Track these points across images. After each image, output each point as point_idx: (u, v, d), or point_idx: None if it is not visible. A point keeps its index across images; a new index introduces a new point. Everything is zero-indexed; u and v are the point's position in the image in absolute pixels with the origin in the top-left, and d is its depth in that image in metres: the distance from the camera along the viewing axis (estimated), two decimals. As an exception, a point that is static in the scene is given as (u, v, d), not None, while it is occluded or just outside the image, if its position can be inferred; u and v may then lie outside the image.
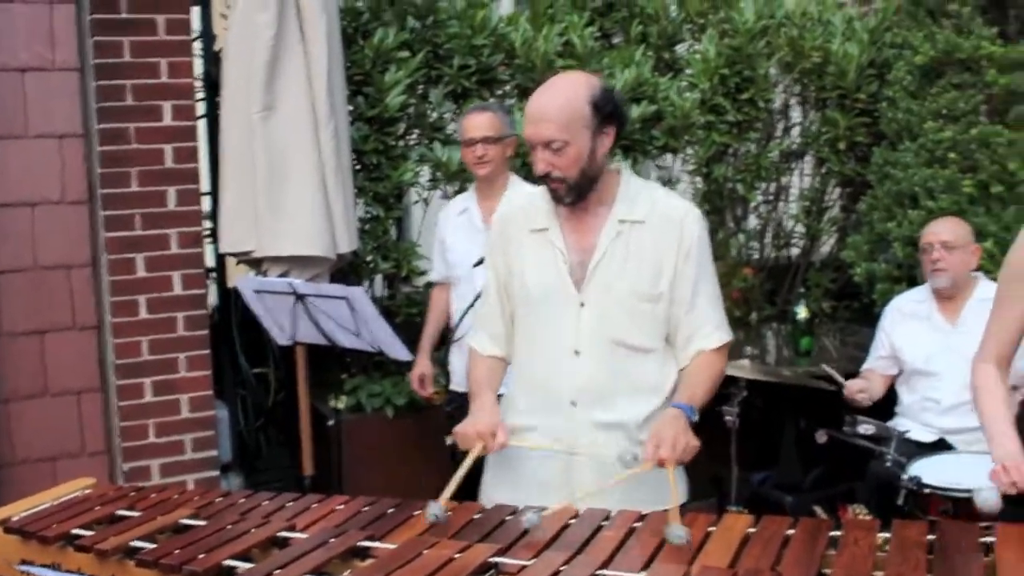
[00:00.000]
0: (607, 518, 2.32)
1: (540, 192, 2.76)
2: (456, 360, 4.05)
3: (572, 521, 2.32)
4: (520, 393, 2.79)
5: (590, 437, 2.66)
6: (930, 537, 2.10)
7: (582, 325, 2.66)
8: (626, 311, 2.65)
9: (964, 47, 4.76)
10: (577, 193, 2.62)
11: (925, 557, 2.03)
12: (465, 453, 2.58)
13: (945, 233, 3.98)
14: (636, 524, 2.28)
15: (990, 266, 4.26)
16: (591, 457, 2.63)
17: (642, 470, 2.44)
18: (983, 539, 2.06)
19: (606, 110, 2.59)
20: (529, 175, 4.42)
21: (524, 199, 2.90)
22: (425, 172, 4.99)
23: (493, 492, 2.77)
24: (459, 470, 2.47)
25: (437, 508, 2.33)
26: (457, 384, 4.10)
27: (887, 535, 2.13)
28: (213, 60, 4.82)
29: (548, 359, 2.71)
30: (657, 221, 2.66)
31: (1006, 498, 2.28)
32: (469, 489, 2.78)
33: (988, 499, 1.92)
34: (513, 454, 2.73)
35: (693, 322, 2.69)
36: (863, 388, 4.08)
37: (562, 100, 2.56)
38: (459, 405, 4.03)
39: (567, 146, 2.55)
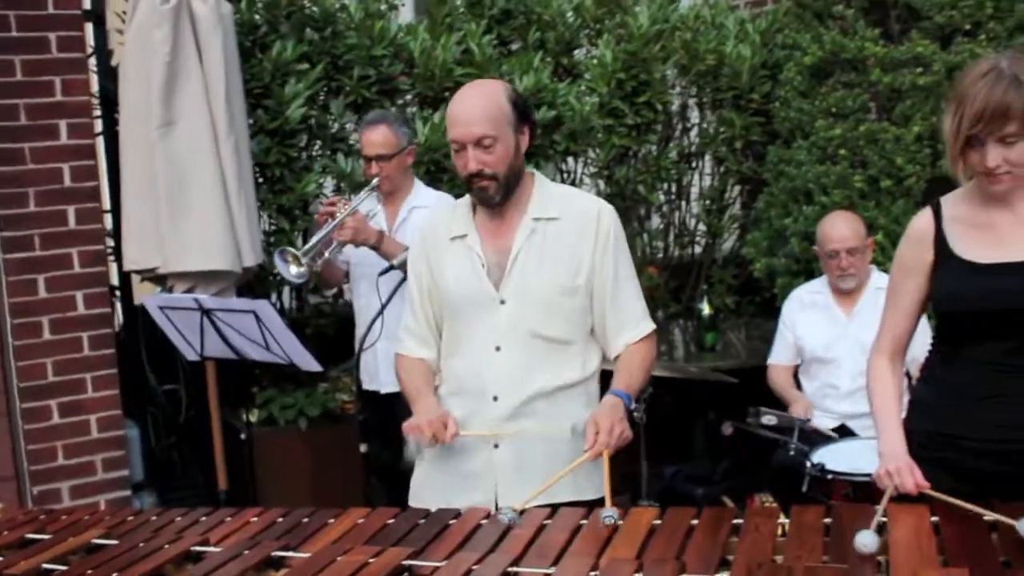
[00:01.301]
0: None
1: (460, 202, 2.85)
2: (368, 358, 4.04)
3: (484, 521, 2.37)
4: (447, 392, 2.84)
5: (512, 428, 2.72)
6: (827, 520, 2.19)
7: (501, 321, 2.72)
8: (544, 305, 2.72)
9: (849, 48, 4.92)
10: (505, 191, 2.69)
11: (822, 539, 2.12)
12: (378, 461, 2.62)
13: (851, 240, 4.08)
14: (547, 521, 2.33)
15: (881, 258, 4.41)
16: (532, 436, 2.71)
17: (582, 461, 2.53)
18: (877, 520, 2.15)
19: (522, 109, 2.71)
20: (431, 183, 4.49)
21: (445, 209, 2.97)
22: (329, 183, 5.00)
23: (422, 493, 2.84)
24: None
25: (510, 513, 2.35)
26: (369, 383, 4.09)
27: (788, 521, 2.22)
28: (110, 76, 4.77)
29: (471, 357, 2.77)
30: (572, 217, 2.74)
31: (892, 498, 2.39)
32: (399, 494, 2.84)
33: (865, 543, 2.02)
34: (434, 451, 2.79)
35: (619, 314, 2.77)
36: (806, 406, 4.15)
37: (486, 100, 2.66)
38: (370, 405, 4.04)
39: (496, 142, 2.63)
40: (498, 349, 2.73)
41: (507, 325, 2.72)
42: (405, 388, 2.87)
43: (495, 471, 2.74)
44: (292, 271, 3.81)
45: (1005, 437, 2.46)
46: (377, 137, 3.94)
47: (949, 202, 2.55)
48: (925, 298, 2.59)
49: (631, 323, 2.79)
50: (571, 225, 2.74)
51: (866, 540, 2.01)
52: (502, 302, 2.72)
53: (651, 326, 2.83)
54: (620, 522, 2.25)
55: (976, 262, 2.47)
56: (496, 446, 2.74)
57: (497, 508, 2.50)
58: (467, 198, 2.82)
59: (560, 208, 2.75)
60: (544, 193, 2.78)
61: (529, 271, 2.71)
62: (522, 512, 2.36)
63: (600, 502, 2.48)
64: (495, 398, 2.74)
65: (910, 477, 2.36)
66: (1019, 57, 2.37)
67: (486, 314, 2.73)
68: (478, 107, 2.64)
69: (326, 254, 3.89)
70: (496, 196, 2.69)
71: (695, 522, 2.25)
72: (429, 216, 3.27)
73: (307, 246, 3.86)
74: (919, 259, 2.56)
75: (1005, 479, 2.44)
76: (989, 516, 2.13)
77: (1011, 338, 2.45)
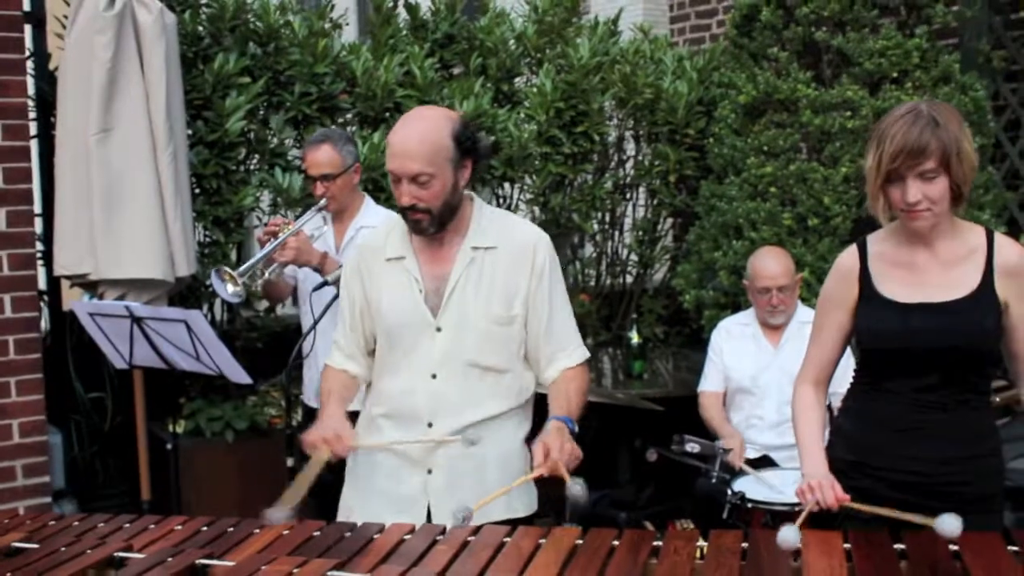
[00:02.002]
0: (443, 532, 2.41)
1: (396, 220, 2.82)
2: (307, 374, 4.04)
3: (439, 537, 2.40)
4: (380, 415, 2.84)
5: (446, 454, 2.75)
6: (745, 545, 2.26)
7: (438, 349, 2.73)
8: (481, 334, 2.73)
9: (783, 89, 5.04)
10: (439, 224, 2.70)
11: (739, 563, 2.18)
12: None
13: (781, 278, 4.17)
14: (470, 538, 2.37)
15: (807, 294, 4.52)
16: (464, 461, 2.74)
17: (533, 476, 2.56)
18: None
19: (466, 144, 2.68)
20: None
21: (382, 229, 2.93)
22: (266, 197, 5.00)
23: (350, 509, 2.84)
24: (304, 472, 2.54)
25: (280, 512, 2.38)
26: (308, 398, 4.09)
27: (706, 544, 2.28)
28: (47, 79, 4.74)
29: (406, 382, 2.78)
30: (509, 247, 2.76)
31: (813, 515, 2.46)
32: (326, 509, 2.84)
33: (787, 538, 2.10)
34: (370, 471, 2.82)
35: (553, 342, 2.80)
36: (739, 442, 4.17)
37: (426, 135, 2.63)
38: (307, 420, 4.05)
39: (432, 179, 2.62)
40: (434, 376, 2.74)
41: (444, 353, 2.73)
42: (321, 397, 2.88)
43: (428, 496, 2.75)
44: (228, 290, 3.76)
45: (920, 470, 2.55)
46: (321, 157, 3.85)
47: (874, 240, 2.65)
48: (849, 332, 2.68)
49: (566, 350, 2.82)
50: (508, 255, 2.76)
51: (788, 535, 2.08)
52: (438, 329, 2.73)
53: (585, 353, 2.87)
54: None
55: (897, 301, 2.56)
56: (430, 471, 2.75)
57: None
58: (403, 220, 2.80)
59: (498, 236, 2.77)
60: (482, 220, 2.79)
61: (467, 300, 2.73)
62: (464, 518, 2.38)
63: (528, 520, 2.51)
64: (430, 424, 2.75)
65: (831, 491, 2.44)
66: (937, 103, 2.49)
67: (422, 340, 2.74)
68: (417, 143, 2.62)
69: (266, 274, 3.84)
70: (429, 228, 2.70)
71: (616, 543, 2.30)
72: (365, 237, 3.26)
73: (244, 266, 3.82)
74: (844, 295, 2.65)
75: (917, 509, 2.53)
76: (913, 518, 2.21)
77: (929, 375, 2.54)
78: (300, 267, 3.83)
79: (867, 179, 2.51)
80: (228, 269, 3.79)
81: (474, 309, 2.73)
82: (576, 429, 2.69)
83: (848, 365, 2.84)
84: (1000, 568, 2.09)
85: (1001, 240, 2.57)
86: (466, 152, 2.69)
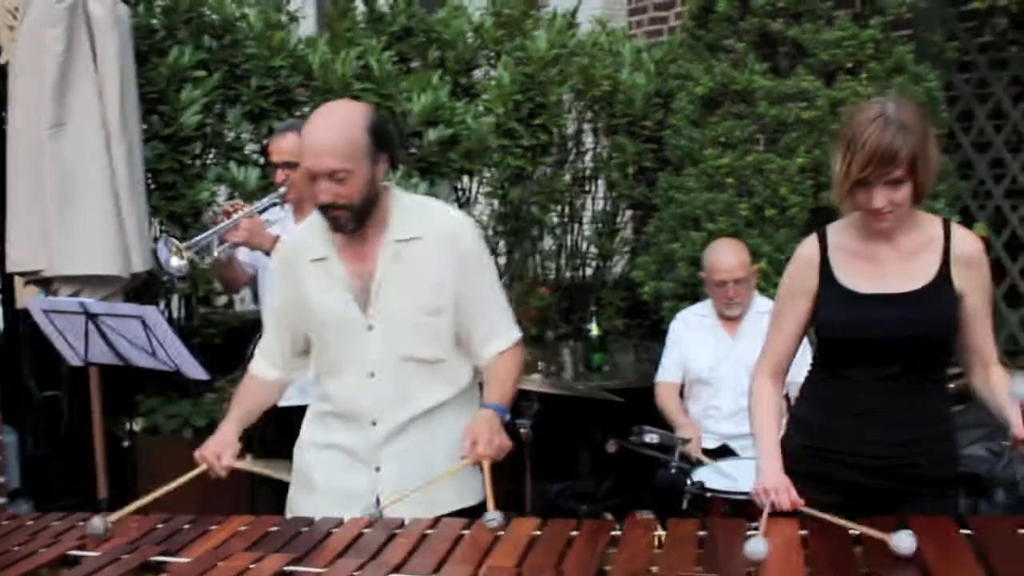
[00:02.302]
0: (401, 525, 2.41)
1: (317, 220, 2.78)
2: None
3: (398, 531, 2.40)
4: (328, 413, 2.83)
5: (392, 450, 2.74)
6: (702, 533, 2.27)
7: (372, 347, 2.72)
8: (412, 327, 2.72)
9: (739, 80, 5.06)
10: (359, 220, 2.66)
11: (695, 551, 2.20)
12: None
13: (737, 270, 4.19)
14: (429, 531, 2.37)
15: (764, 284, 4.55)
16: (414, 457, 2.73)
17: (460, 467, 2.56)
18: (749, 533, 2.23)
19: (382, 137, 2.66)
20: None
21: (303, 228, 2.91)
22: (222, 192, 4.96)
23: (299, 507, 2.82)
24: (169, 485, 2.62)
25: (100, 522, 2.40)
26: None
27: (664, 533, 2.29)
28: (-1, 74, 4.68)
29: (346, 382, 2.76)
30: (433, 236, 2.73)
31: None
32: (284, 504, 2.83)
33: (757, 551, 2.11)
34: (316, 470, 2.81)
35: (485, 326, 2.79)
36: (695, 433, 4.16)
37: (341, 130, 2.59)
38: (268, 418, 4.02)
39: (350, 175, 2.58)
40: (372, 375, 2.73)
41: (379, 351, 2.72)
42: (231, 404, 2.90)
43: (377, 491, 2.73)
44: (173, 262, 3.75)
45: (877, 453, 2.58)
46: (286, 145, 3.86)
47: (835, 231, 2.67)
48: (807, 322, 2.70)
49: (498, 332, 2.82)
50: (432, 245, 2.72)
51: (757, 548, 2.10)
52: (370, 327, 2.71)
53: (517, 334, 2.86)
54: (501, 526, 2.29)
55: (856, 291, 2.59)
56: (378, 469, 2.74)
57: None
58: (323, 218, 2.75)
59: (420, 227, 2.73)
60: (402, 211, 2.75)
61: (394, 296, 2.70)
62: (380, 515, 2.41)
63: (482, 506, 2.51)
64: (373, 423, 2.74)
65: (786, 496, 2.46)
66: (903, 102, 2.50)
67: (355, 339, 2.73)
68: (332, 140, 2.58)
69: (216, 252, 3.83)
70: (349, 225, 2.66)
71: (575, 533, 2.31)
72: (287, 236, 3.20)
73: (192, 240, 3.82)
74: (804, 284, 2.67)
75: (874, 492, 2.56)
76: (856, 530, 2.23)
77: (888, 364, 2.57)
78: (252, 250, 3.83)
79: (835, 183, 2.51)
80: (176, 241, 3.79)
81: (403, 304, 2.71)
82: (508, 417, 2.70)
83: (805, 355, 2.85)
84: (953, 552, 2.11)
85: (958, 231, 2.60)
86: (381, 145, 2.66)
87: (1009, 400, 2.48)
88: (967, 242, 2.58)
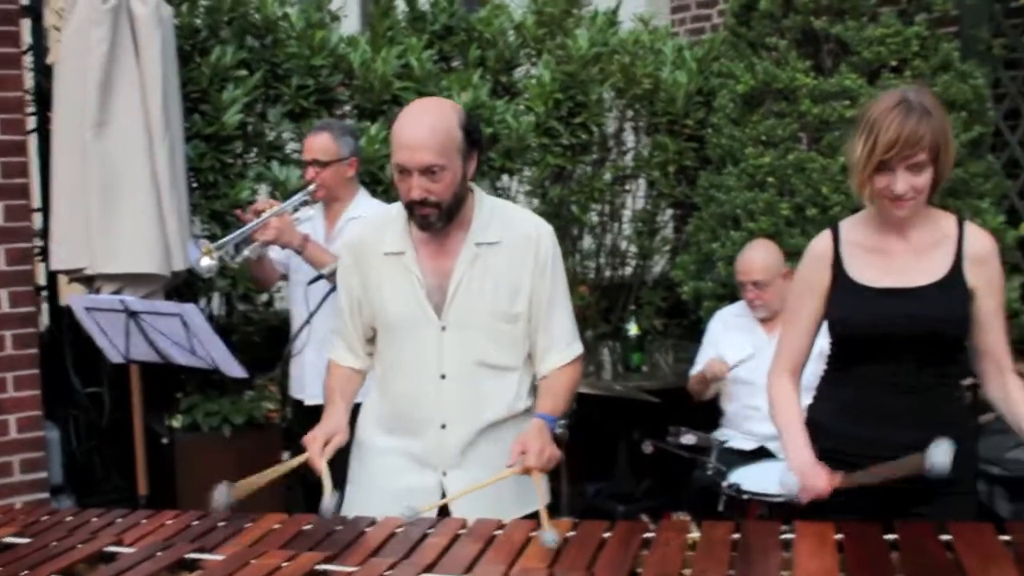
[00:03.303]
0: (434, 525, 2.40)
1: (393, 213, 2.76)
2: (295, 368, 4.05)
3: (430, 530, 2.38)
4: (386, 414, 2.81)
5: (461, 456, 2.72)
6: (736, 536, 2.25)
7: (445, 349, 2.69)
8: (487, 333, 2.70)
9: (781, 78, 5.02)
10: (447, 218, 2.63)
11: (729, 554, 2.17)
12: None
13: (756, 273, 4.16)
14: (461, 531, 2.36)
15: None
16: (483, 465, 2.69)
17: (507, 475, 2.52)
18: (783, 536, 2.21)
19: (474, 135, 2.64)
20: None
21: (376, 221, 2.87)
22: (263, 190, 4.99)
23: (360, 508, 2.72)
24: (280, 467, 2.56)
25: (223, 495, 2.41)
26: (296, 391, 4.11)
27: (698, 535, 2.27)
28: (45, 73, 4.73)
29: (414, 383, 2.74)
30: (512, 241, 2.71)
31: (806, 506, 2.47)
32: (319, 502, 2.82)
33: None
34: (379, 473, 2.78)
35: (549, 336, 2.76)
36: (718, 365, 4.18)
37: (437, 126, 2.56)
38: (296, 413, 4.06)
39: (444, 171, 2.55)
40: (443, 377, 2.70)
41: (451, 353, 2.69)
42: (325, 395, 2.85)
43: (444, 493, 2.71)
44: (203, 262, 3.77)
45: (894, 455, 2.54)
46: (317, 143, 3.93)
47: (848, 226, 2.66)
48: (821, 318, 2.68)
49: (560, 345, 2.78)
50: (512, 249, 2.70)
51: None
52: (444, 328, 2.69)
53: (580, 349, 2.82)
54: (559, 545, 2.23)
55: (869, 286, 2.58)
56: (444, 474, 2.72)
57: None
58: (402, 211, 2.72)
59: (501, 231, 2.71)
60: (484, 213, 2.72)
61: (472, 298, 2.68)
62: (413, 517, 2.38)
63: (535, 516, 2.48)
64: (443, 426, 2.72)
65: (822, 480, 2.45)
66: (923, 90, 2.50)
67: (427, 339, 2.70)
68: (429, 134, 2.54)
69: (246, 252, 3.87)
70: (437, 223, 2.63)
71: (608, 535, 2.30)
72: (359, 227, 3.15)
73: (222, 240, 3.86)
74: (817, 280, 2.65)
75: (897, 496, 2.53)
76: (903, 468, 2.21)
77: (900, 360, 2.56)
78: (282, 248, 3.84)
79: (854, 167, 2.51)
80: (206, 241, 3.82)
81: (479, 307, 2.68)
82: (558, 429, 2.67)
83: (814, 357, 2.81)
84: (992, 558, 2.08)
85: (971, 228, 2.60)
86: (473, 143, 2.64)
87: None
88: (980, 240, 2.58)
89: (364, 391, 2.92)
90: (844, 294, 2.60)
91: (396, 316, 2.73)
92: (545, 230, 2.77)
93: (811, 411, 2.77)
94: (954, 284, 2.53)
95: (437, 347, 2.69)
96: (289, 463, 2.59)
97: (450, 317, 2.69)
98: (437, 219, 2.62)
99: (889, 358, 2.55)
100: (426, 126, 2.56)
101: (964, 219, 2.61)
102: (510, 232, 2.72)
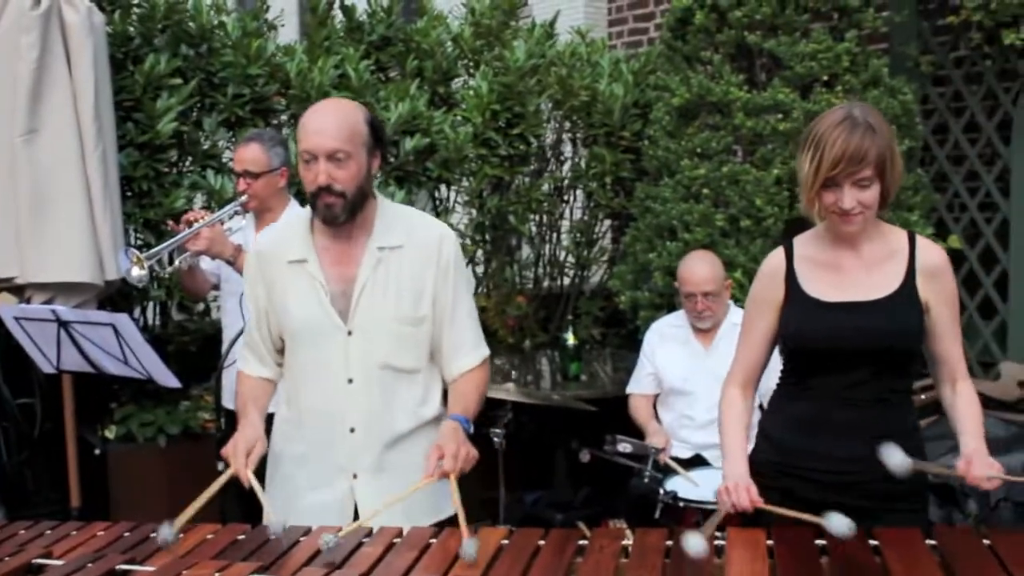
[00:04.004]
0: (369, 533, 2.40)
1: (297, 221, 2.79)
2: (229, 377, 4.02)
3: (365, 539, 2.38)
4: (296, 421, 2.82)
5: (372, 459, 2.73)
6: (669, 543, 2.27)
7: (352, 354, 2.71)
8: (392, 336, 2.72)
9: (716, 92, 5.08)
10: (351, 211, 2.66)
11: (662, 561, 2.20)
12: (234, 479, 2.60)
13: (706, 284, 4.18)
14: (396, 540, 2.36)
15: (739, 295, 4.55)
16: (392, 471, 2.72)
17: (426, 482, 2.51)
18: (716, 543, 2.24)
19: (378, 134, 2.70)
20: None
21: (279, 230, 2.91)
22: (198, 199, 4.95)
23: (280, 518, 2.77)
24: (210, 488, 2.51)
25: (167, 531, 2.37)
26: (229, 401, 4.07)
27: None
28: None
29: (322, 389, 2.75)
30: (415, 245, 2.75)
31: (734, 516, 2.49)
32: (254, 512, 2.80)
33: (695, 546, 2.13)
34: (293, 480, 2.79)
35: (454, 340, 2.79)
36: (664, 439, 4.18)
37: (343, 116, 2.63)
38: (230, 423, 4.02)
39: (349, 159, 2.61)
40: (351, 381, 2.72)
41: (357, 357, 2.71)
42: (237, 405, 2.85)
43: (355, 499, 2.72)
44: (134, 272, 3.76)
45: (845, 469, 2.59)
46: (247, 154, 3.91)
47: (800, 242, 2.69)
48: (776, 334, 2.71)
49: (466, 348, 2.82)
50: (415, 253, 2.74)
51: (695, 543, 2.11)
52: (349, 333, 2.71)
53: (486, 352, 2.87)
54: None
55: (822, 300, 2.60)
56: (355, 476, 2.73)
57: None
58: (304, 218, 2.76)
59: (403, 235, 2.75)
60: (387, 217, 2.76)
61: (376, 303, 2.70)
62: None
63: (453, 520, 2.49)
64: (352, 430, 2.73)
65: (745, 494, 2.47)
66: (869, 107, 2.53)
67: (333, 344, 2.71)
68: (335, 121, 2.61)
69: (177, 262, 3.86)
70: (341, 215, 2.65)
71: (542, 543, 2.31)
72: (263, 236, 3.18)
73: (152, 250, 3.83)
74: (771, 295, 2.68)
75: (843, 509, 2.56)
76: (811, 518, 2.25)
77: (853, 373, 2.58)
78: (213, 258, 3.83)
79: (802, 184, 2.53)
80: (136, 251, 3.80)
81: (384, 311, 2.71)
82: (471, 429, 2.69)
83: (775, 367, 2.86)
84: (919, 562, 2.12)
85: (923, 242, 2.63)
86: (377, 140, 2.70)
87: (968, 422, 2.52)
88: (932, 253, 2.61)
89: (275, 402, 2.92)
90: (797, 308, 2.63)
91: (302, 323, 2.74)
92: (447, 234, 2.81)
93: (763, 424, 2.80)
94: (906, 297, 2.57)
95: (343, 352, 2.71)
96: (219, 480, 2.56)
97: (356, 322, 2.71)
98: (342, 210, 2.65)
99: (841, 371, 2.59)
100: (332, 114, 2.64)
101: (915, 233, 2.65)
102: (413, 236, 2.76)
